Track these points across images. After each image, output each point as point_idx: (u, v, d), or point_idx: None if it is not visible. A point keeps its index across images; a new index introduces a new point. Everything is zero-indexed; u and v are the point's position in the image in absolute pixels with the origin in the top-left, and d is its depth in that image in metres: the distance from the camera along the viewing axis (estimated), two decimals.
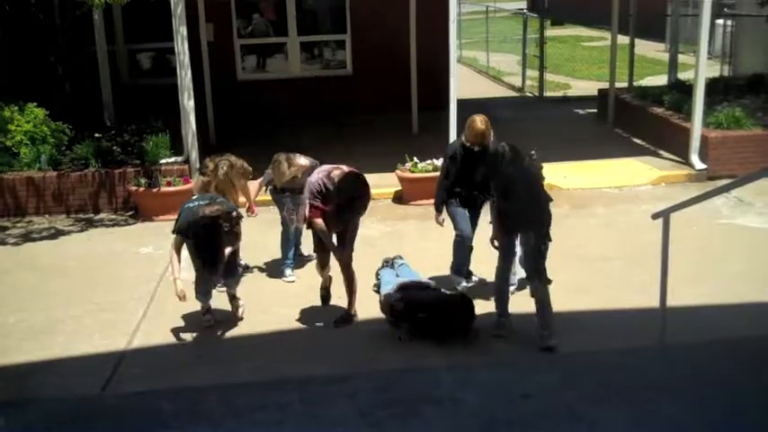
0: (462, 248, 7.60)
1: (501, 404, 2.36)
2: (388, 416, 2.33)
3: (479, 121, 7.25)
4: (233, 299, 7.16)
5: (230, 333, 6.95)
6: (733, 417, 2.26)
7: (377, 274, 7.74)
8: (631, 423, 2.25)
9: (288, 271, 8.16)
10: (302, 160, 7.92)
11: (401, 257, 7.95)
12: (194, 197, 7.21)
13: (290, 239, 8.20)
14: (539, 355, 4.97)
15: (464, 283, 7.54)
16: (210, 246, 6.60)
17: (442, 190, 7.60)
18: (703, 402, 2.31)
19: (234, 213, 6.80)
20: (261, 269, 8.37)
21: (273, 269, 8.27)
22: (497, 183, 6.65)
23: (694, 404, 2.31)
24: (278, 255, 8.25)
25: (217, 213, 6.55)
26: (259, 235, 8.57)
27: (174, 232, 6.72)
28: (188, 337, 6.88)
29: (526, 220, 6.42)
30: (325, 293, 7.22)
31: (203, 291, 6.93)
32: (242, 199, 8.07)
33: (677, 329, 4.86)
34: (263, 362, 6.19)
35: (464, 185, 7.47)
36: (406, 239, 9.30)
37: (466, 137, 7.28)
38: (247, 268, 8.23)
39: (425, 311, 6.57)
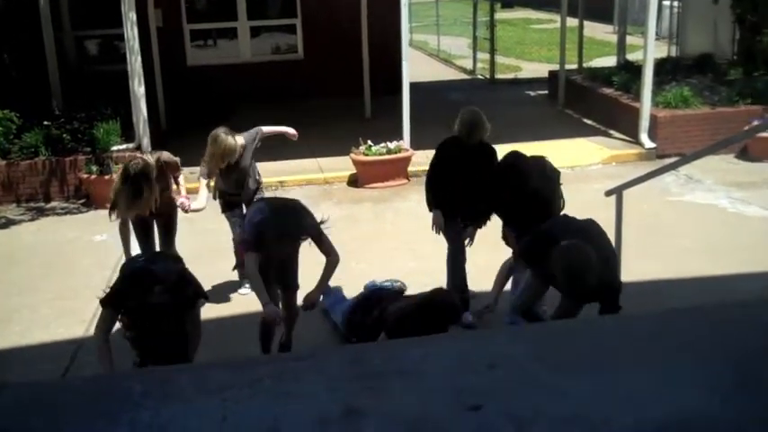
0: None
1: (467, 375, 2.40)
2: (358, 389, 2.36)
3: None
4: None
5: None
6: (695, 379, 2.33)
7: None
8: (597, 390, 2.30)
9: (245, 287, 7.16)
10: (240, 139, 6.95)
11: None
12: (140, 257, 5.61)
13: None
14: (503, 328, 5.05)
15: (470, 318, 6.49)
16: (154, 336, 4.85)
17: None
18: (665, 368, 2.37)
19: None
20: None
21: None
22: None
23: (656, 370, 2.38)
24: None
25: (165, 301, 4.71)
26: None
27: (105, 303, 4.79)
28: None
29: None
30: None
31: None
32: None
33: (633, 302, 4.97)
34: (229, 344, 6.17)
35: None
36: (362, 223, 9.34)
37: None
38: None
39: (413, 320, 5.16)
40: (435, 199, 6.57)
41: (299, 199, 5.87)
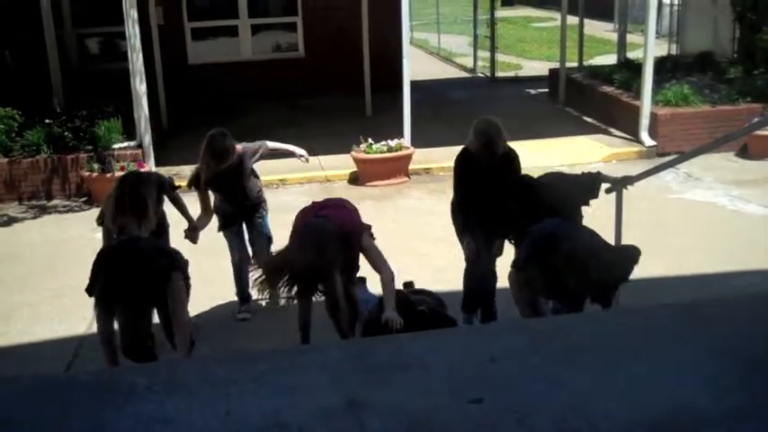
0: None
1: (469, 368, 2.44)
2: (361, 383, 2.39)
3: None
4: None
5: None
6: (693, 372, 2.36)
7: None
8: (596, 382, 2.34)
9: (242, 312, 6.78)
10: (238, 146, 6.37)
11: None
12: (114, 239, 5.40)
13: (242, 278, 6.56)
14: (504, 322, 5.07)
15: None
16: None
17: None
18: (661, 361, 2.41)
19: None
20: None
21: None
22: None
23: (652, 364, 2.41)
24: None
25: (139, 273, 4.78)
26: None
27: (88, 291, 4.86)
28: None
29: None
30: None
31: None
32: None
33: (632, 297, 5.00)
34: (231, 340, 6.19)
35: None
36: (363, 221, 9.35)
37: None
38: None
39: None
40: (467, 223, 5.94)
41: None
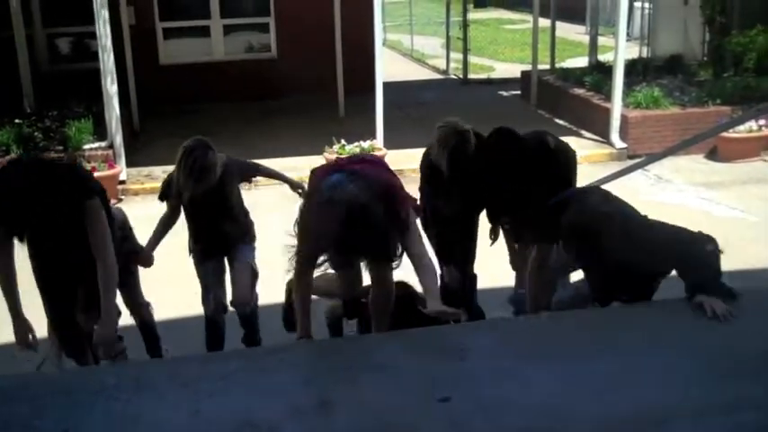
0: None
1: (438, 367, 2.45)
2: (331, 382, 2.40)
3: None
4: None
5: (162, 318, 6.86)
6: (667, 368, 2.39)
7: None
8: (567, 379, 2.36)
9: None
10: (222, 157, 5.11)
11: None
12: None
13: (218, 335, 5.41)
14: (473, 323, 5.08)
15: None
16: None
17: None
18: (627, 359, 2.44)
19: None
20: None
21: None
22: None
23: (619, 361, 2.44)
24: None
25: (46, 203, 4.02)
26: None
27: None
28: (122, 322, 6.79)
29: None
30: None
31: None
32: None
33: None
34: (201, 340, 6.13)
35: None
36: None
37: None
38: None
39: None
40: (439, 254, 5.16)
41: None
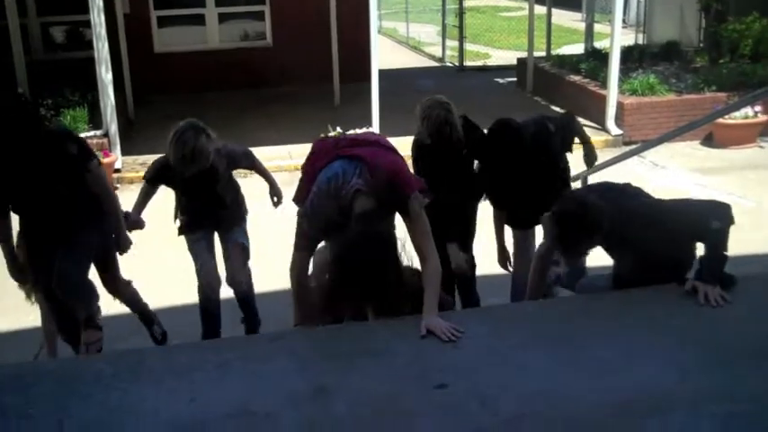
0: None
1: (435, 354, 2.45)
2: (328, 368, 2.40)
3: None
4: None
5: (163, 306, 6.83)
6: (664, 355, 2.40)
7: None
8: (563, 365, 2.36)
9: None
10: (216, 143, 5.00)
11: None
12: None
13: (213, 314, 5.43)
14: (469, 310, 5.08)
15: None
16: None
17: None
18: (624, 345, 2.44)
19: None
20: None
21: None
22: None
23: (616, 347, 2.44)
24: None
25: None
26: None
27: None
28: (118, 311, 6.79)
29: None
30: None
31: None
32: None
33: None
34: (197, 329, 6.12)
35: None
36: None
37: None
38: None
39: None
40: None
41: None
